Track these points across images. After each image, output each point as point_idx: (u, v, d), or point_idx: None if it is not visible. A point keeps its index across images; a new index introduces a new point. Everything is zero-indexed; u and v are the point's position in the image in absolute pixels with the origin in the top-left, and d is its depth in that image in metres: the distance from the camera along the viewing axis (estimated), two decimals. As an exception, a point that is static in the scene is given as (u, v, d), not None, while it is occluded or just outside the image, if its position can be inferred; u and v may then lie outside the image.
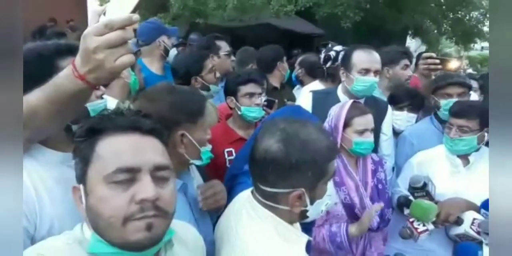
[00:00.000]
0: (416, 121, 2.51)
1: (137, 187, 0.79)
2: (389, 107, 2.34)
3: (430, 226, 1.75)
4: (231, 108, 2.13)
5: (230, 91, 2.09)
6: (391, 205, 1.91)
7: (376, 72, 2.15)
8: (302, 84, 3.38)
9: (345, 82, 2.21)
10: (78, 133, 0.84)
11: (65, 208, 1.02)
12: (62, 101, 0.89)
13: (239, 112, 2.05)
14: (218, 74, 2.35)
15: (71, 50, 1.09)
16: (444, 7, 8.78)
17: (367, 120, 1.81)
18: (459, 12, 8.92)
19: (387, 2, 7.32)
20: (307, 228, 1.33)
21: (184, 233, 1.01)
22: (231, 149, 2.02)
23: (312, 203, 1.06)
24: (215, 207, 1.37)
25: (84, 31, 0.86)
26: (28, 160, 1.02)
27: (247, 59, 3.16)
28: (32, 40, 1.77)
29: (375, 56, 2.16)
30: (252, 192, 1.14)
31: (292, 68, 3.41)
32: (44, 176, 1.04)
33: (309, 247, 1.12)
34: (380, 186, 1.87)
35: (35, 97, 0.90)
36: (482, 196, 1.78)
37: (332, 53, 2.72)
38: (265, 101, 2.16)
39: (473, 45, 10.06)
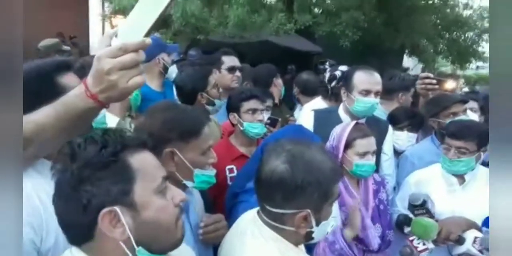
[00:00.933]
0: (416, 141, 2.53)
1: (171, 192, 0.89)
2: (390, 127, 2.36)
3: (430, 245, 1.74)
4: (233, 125, 2.14)
5: (233, 107, 2.11)
6: (392, 226, 1.90)
7: (376, 93, 2.17)
8: (300, 102, 3.43)
9: (346, 102, 2.24)
10: (107, 154, 0.80)
11: None
12: (71, 119, 0.92)
13: (241, 128, 2.07)
14: (220, 89, 2.38)
15: (70, 66, 1.14)
16: (440, 27, 8.94)
17: (369, 143, 1.81)
18: (455, 33, 9.09)
19: (385, 21, 7.46)
20: (308, 246, 1.32)
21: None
22: (232, 166, 2.02)
23: (317, 224, 1.06)
24: (214, 240, 1.36)
25: (97, 53, 0.89)
26: (33, 173, 1.03)
27: (247, 76, 3.19)
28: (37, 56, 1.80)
29: (376, 77, 2.19)
30: (258, 212, 1.14)
31: (287, 84, 3.46)
32: (48, 189, 1.03)
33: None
34: (381, 207, 1.87)
35: (43, 114, 0.92)
36: (478, 214, 1.79)
37: (338, 73, 2.77)
38: (268, 119, 2.17)
39: (469, 64, 10.20)
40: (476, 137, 1.89)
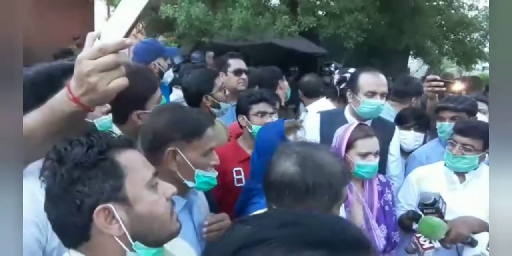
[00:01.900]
0: (425, 142, 2.53)
1: (162, 187, 0.90)
2: (397, 128, 2.36)
3: (437, 244, 1.73)
4: (241, 127, 2.15)
5: (242, 109, 2.12)
6: (398, 228, 1.89)
7: (382, 95, 2.18)
8: (304, 104, 3.46)
9: (352, 104, 2.24)
10: (95, 153, 0.81)
11: None
12: (58, 122, 0.91)
13: (249, 131, 2.08)
14: (227, 92, 2.38)
15: None
16: (445, 28, 8.91)
17: (371, 143, 1.80)
18: (460, 34, 9.05)
19: (389, 23, 7.45)
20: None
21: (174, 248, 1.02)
22: (239, 168, 2.03)
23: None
24: (217, 239, 1.37)
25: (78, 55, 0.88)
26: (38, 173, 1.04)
27: (252, 79, 3.20)
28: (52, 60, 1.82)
29: (382, 78, 2.20)
30: (265, 213, 1.14)
31: (290, 86, 3.48)
32: None
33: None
34: (386, 208, 1.86)
35: (32, 119, 0.91)
36: (478, 213, 1.78)
37: (347, 75, 2.78)
38: None
39: (475, 65, 10.14)
40: (483, 136, 1.88)
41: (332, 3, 6.95)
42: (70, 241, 0.84)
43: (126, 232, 0.82)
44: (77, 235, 0.82)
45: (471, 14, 9.42)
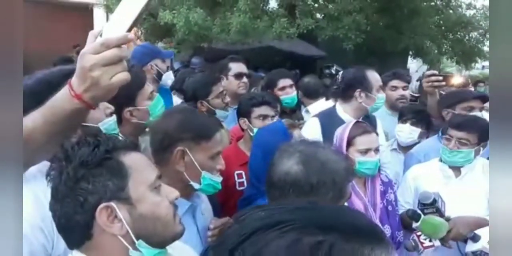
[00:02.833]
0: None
1: (165, 190, 0.91)
2: (378, 120, 2.47)
3: (437, 243, 1.74)
4: (243, 130, 2.14)
5: (244, 112, 2.12)
6: (401, 227, 1.88)
7: None
8: (304, 104, 3.46)
9: (364, 103, 2.27)
10: (101, 153, 0.83)
11: None
12: (59, 122, 0.90)
13: (251, 134, 2.07)
14: (227, 99, 2.36)
15: None
16: (443, 28, 8.91)
17: (370, 139, 1.81)
18: (459, 33, 9.05)
19: (387, 24, 7.45)
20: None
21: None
22: (241, 171, 2.03)
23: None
24: None
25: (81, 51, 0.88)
26: (43, 178, 1.03)
27: (251, 82, 3.20)
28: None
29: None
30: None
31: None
32: None
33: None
34: (390, 208, 1.86)
35: (31, 120, 0.90)
36: (474, 206, 1.82)
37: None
38: None
39: (474, 64, 10.13)
40: (478, 130, 1.92)
41: (330, 6, 6.96)
42: (73, 240, 0.85)
43: (130, 231, 0.82)
44: (80, 233, 0.83)
45: (470, 13, 9.42)
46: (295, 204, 0.56)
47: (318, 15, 7.15)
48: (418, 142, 2.57)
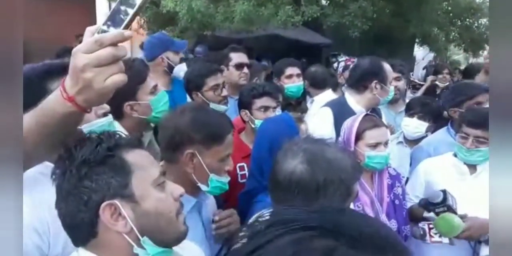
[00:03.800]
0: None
1: (169, 187, 0.90)
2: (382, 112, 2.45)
3: (445, 240, 1.71)
4: (244, 122, 2.11)
5: (245, 104, 2.08)
6: (408, 222, 1.86)
7: None
8: (310, 95, 3.42)
9: (378, 94, 2.23)
10: (103, 150, 0.82)
11: None
12: (52, 125, 0.84)
13: (252, 126, 2.04)
14: (225, 92, 2.28)
15: (61, 71, 1.02)
16: (451, 14, 8.72)
17: (380, 133, 1.76)
18: (467, 20, 8.86)
19: (394, 11, 7.30)
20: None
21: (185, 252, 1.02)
22: (243, 164, 1.99)
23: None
24: (226, 235, 1.37)
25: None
26: (41, 179, 1.01)
27: (253, 72, 3.14)
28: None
29: None
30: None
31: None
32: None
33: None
34: (397, 202, 1.83)
35: (24, 122, 0.84)
36: (486, 206, 1.74)
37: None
38: None
39: (482, 52, 9.95)
40: None
41: (335, -8, 6.83)
42: (78, 238, 0.86)
43: (134, 228, 0.82)
44: (84, 231, 0.83)
45: (479, -1, 9.23)
46: (308, 206, 0.55)
47: (323, 2, 7.02)
48: (426, 136, 2.53)
